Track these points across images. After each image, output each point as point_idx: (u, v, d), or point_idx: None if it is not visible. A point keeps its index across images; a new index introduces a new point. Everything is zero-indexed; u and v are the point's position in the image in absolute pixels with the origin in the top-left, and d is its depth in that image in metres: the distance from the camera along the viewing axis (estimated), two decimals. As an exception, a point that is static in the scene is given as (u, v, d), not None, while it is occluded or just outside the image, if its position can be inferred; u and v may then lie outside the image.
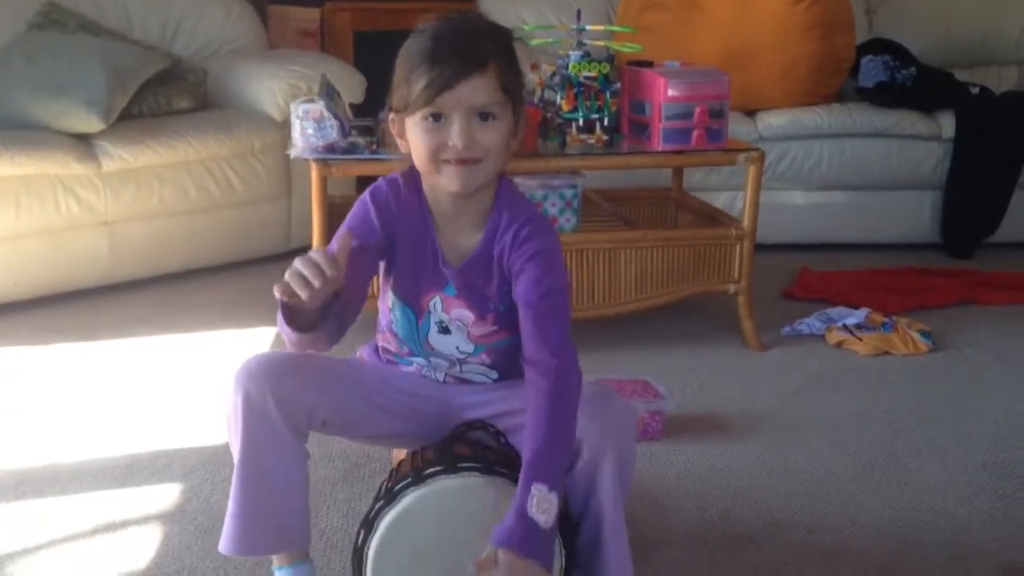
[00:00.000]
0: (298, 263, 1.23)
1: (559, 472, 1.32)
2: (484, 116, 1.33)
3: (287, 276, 1.23)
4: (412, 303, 1.47)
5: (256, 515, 1.40)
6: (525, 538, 1.28)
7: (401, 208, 1.44)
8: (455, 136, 1.32)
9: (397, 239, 1.44)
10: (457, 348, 1.49)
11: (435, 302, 1.46)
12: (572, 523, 1.43)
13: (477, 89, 1.31)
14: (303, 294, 1.22)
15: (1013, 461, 2.13)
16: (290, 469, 1.41)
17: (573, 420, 1.35)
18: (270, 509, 1.41)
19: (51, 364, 2.55)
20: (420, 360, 1.52)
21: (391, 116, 1.39)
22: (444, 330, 1.47)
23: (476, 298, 1.45)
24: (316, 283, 1.21)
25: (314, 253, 1.23)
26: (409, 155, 1.43)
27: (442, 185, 1.37)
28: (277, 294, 1.24)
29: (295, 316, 1.31)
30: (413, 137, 1.35)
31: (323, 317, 1.30)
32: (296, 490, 1.43)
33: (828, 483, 2.02)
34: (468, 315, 1.45)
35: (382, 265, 1.48)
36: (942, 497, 1.97)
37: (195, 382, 2.46)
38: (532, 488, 1.29)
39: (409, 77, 1.32)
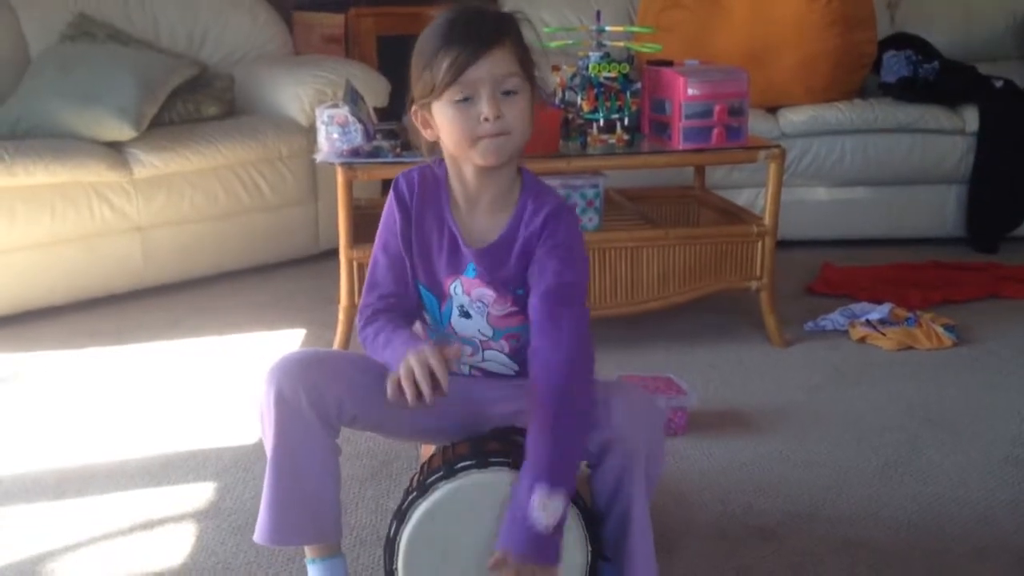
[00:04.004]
0: (418, 371, 1.34)
1: (565, 471, 1.34)
2: (506, 93, 1.39)
3: (402, 376, 1.34)
4: (434, 288, 1.52)
5: (289, 506, 1.45)
6: (529, 542, 1.31)
7: (419, 195, 1.50)
8: (485, 108, 1.37)
9: (415, 227, 1.49)
10: (479, 331, 1.53)
11: (455, 286, 1.50)
12: (598, 516, 1.46)
13: (499, 61, 1.37)
14: (411, 402, 1.34)
15: (1036, 453, 2.14)
16: (322, 462, 1.46)
17: (583, 417, 1.37)
18: (303, 500, 1.45)
19: (87, 367, 2.62)
20: None
21: (413, 108, 1.45)
22: (465, 314, 1.52)
23: (497, 278, 1.48)
24: (427, 396, 1.33)
25: (434, 364, 1.34)
26: (431, 152, 1.49)
27: (475, 161, 1.42)
28: (389, 392, 1.36)
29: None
30: (443, 122, 1.40)
31: None
32: (328, 482, 1.47)
33: (851, 476, 2.04)
34: (489, 293, 1.49)
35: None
36: (964, 489, 1.99)
37: (227, 383, 2.51)
38: (535, 491, 1.31)
39: (431, 63, 1.38)
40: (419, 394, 1.34)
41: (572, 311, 1.42)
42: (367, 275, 1.55)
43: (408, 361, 1.36)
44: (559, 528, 1.34)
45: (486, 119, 1.37)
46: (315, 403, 1.42)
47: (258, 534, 1.47)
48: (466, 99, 1.37)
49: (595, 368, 1.42)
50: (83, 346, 2.75)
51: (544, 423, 1.35)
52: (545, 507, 1.31)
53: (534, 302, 1.44)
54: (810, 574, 1.71)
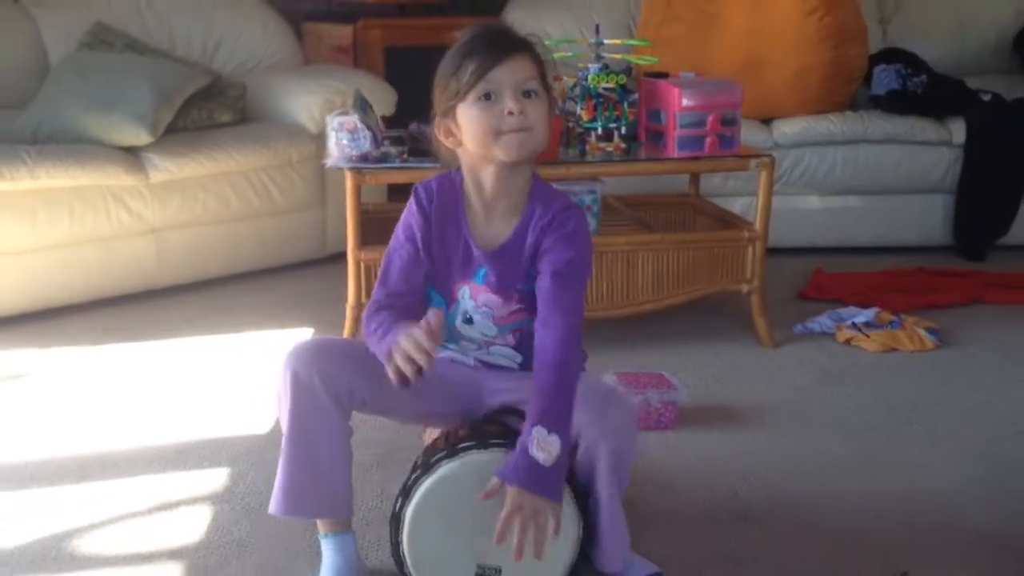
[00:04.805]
0: (406, 345, 1.42)
1: (561, 418, 1.46)
2: (527, 94, 1.50)
3: (397, 359, 1.43)
4: (444, 291, 1.63)
5: (303, 480, 1.57)
6: (528, 475, 1.43)
7: (437, 203, 1.61)
8: (509, 103, 1.48)
9: (433, 231, 1.60)
10: (481, 333, 1.64)
11: (464, 291, 1.62)
12: (583, 491, 1.58)
13: (521, 66, 1.50)
14: (411, 376, 1.43)
15: (1010, 450, 2.24)
16: (335, 441, 1.57)
17: (576, 375, 1.51)
18: (316, 475, 1.57)
19: (106, 362, 2.73)
20: (452, 346, 1.68)
21: (436, 121, 1.56)
22: (468, 320, 1.63)
23: (503, 280, 1.60)
24: (423, 364, 1.41)
25: (417, 335, 1.42)
26: (447, 160, 1.61)
27: (498, 156, 1.52)
28: (391, 375, 1.45)
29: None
30: (467, 121, 1.51)
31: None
32: (339, 460, 1.59)
33: (832, 469, 2.15)
34: (495, 299, 1.61)
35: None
36: (939, 482, 2.09)
37: (239, 378, 2.62)
38: (533, 431, 1.43)
39: (457, 71, 1.50)
40: (405, 376, 1.44)
41: (574, 291, 1.55)
42: (380, 270, 1.64)
43: (400, 343, 1.44)
44: (558, 470, 1.44)
45: (510, 113, 1.48)
46: (328, 386, 1.53)
47: (273, 505, 1.59)
48: (490, 97, 1.49)
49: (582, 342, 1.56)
50: (100, 342, 2.87)
51: (543, 386, 1.48)
52: (541, 445, 1.43)
53: (543, 283, 1.55)
54: (789, 555, 1.81)
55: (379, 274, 1.65)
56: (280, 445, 1.59)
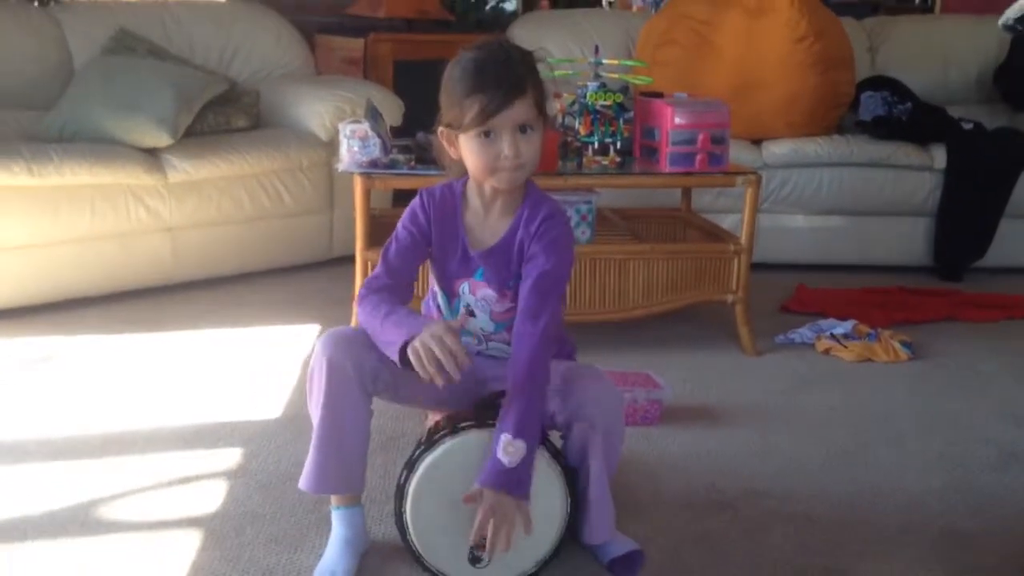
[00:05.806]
0: (438, 351, 1.54)
1: (525, 425, 1.62)
2: (524, 129, 1.66)
3: (426, 358, 1.55)
4: (446, 288, 1.80)
5: (331, 459, 1.73)
6: (497, 476, 1.61)
7: (438, 209, 1.78)
8: (506, 148, 1.64)
9: (434, 233, 1.77)
10: (481, 329, 1.81)
11: (464, 287, 1.79)
12: (572, 471, 1.74)
13: (520, 111, 1.64)
14: (439, 382, 1.56)
15: (967, 451, 2.40)
16: (359, 421, 1.74)
17: (543, 385, 1.67)
18: (340, 454, 1.73)
19: (122, 351, 2.88)
20: None
21: (441, 129, 1.71)
22: (470, 313, 1.80)
23: (498, 277, 1.77)
24: (454, 375, 1.55)
25: (450, 342, 1.55)
26: (451, 169, 1.77)
27: (492, 185, 1.70)
28: (423, 373, 1.57)
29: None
30: (467, 151, 1.67)
31: None
32: (362, 440, 1.75)
33: (803, 463, 2.31)
34: (491, 293, 1.77)
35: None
36: (901, 478, 2.25)
37: (250, 369, 2.78)
38: (500, 437, 1.62)
39: (462, 102, 1.63)
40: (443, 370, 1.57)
41: (549, 303, 1.70)
42: (382, 252, 1.80)
43: (426, 343, 1.56)
44: (524, 470, 1.62)
45: (506, 156, 1.64)
46: (358, 371, 1.69)
47: (303, 482, 1.74)
48: (489, 135, 1.64)
49: (555, 351, 1.74)
50: (118, 332, 3.02)
51: (512, 392, 1.65)
52: (508, 449, 1.61)
53: (523, 289, 1.72)
54: (759, 537, 1.97)
55: (382, 254, 1.80)
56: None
